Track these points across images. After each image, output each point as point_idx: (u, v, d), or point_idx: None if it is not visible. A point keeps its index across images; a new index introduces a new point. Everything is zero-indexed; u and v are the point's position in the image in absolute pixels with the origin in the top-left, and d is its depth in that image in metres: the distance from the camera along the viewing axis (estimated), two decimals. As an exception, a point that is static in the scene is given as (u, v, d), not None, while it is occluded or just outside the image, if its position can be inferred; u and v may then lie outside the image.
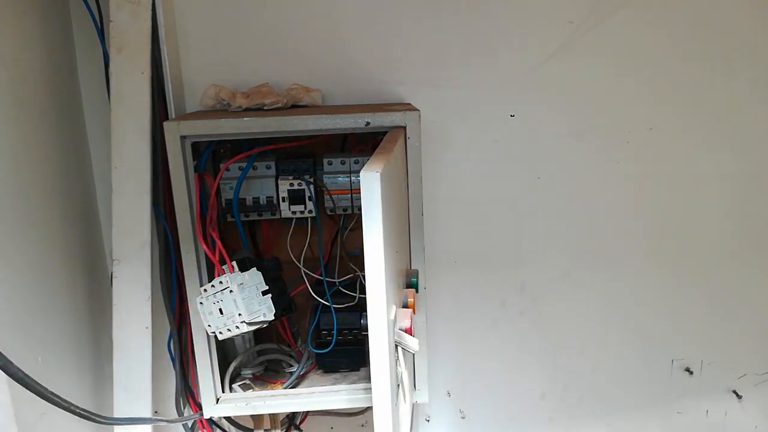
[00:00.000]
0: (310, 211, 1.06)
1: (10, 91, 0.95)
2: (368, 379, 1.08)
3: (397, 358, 0.75)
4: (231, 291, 0.97)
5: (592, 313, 1.38)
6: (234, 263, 0.99)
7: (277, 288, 1.03)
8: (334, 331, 1.10)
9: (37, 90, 1.03)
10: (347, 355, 1.11)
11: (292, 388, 1.09)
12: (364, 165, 1.04)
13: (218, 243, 1.00)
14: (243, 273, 0.99)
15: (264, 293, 1.01)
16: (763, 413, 1.48)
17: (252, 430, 1.19)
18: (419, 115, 1.00)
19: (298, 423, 1.26)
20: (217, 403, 1.08)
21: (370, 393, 1.04)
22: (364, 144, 1.11)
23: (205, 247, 1.00)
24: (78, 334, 1.11)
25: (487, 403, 1.43)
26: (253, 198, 1.06)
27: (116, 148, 1.02)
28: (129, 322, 1.05)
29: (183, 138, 0.97)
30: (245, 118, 0.97)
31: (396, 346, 0.75)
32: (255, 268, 1.01)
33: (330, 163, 1.06)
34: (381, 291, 0.67)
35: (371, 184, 0.64)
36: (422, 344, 1.08)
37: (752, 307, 1.40)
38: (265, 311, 1.00)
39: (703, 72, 1.24)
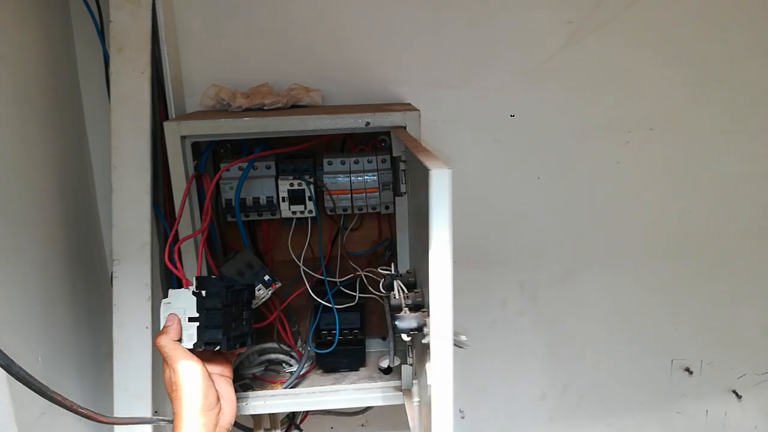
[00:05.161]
0: (310, 211, 1.06)
1: (10, 91, 0.95)
2: (368, 379, 1.08)
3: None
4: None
5: (592, 313, 1.38)
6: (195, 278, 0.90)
7: (229, 315, 0.89)
8: (336, 332, 1.10)
9: (37, 90, 1.03)
10: (347, 355, 1.11)
11: (292, 388, 1.08)
12: (363, 165, 1.05)
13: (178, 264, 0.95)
14: (177, 291, 0.88)
15: (191, 320, 0.87)
16: (763, 413, 1.48)
17: (252, 430, 1.19)
18: (419, 115, 1.00)
19: (298, 423, 1.26)
20: (217, 403, 1.07)
21: (370, 393, 1.04)
22: (364, 144, 1.11)
23: (170, 265, 0.95)
24: (78, 334, 1.11)
25: (487, 402, 1.43)
26: (253, 198, 1.06)
27: (116, 148, 1.02)
28: (129, 322, 1.05)
29: (183, 138, 0.97)
30: (245, 118, 0.97)
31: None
32: (192, 290, 0.88)
33: (330, 163, 1.06)
34: (448, 293, 0.62)
35: (442, 181, 0.60)
36: (422, 344, 1.08)
37: (752, 308, 1.40)
38: (186, 338, 0.87)
39: (704, 71, 1.24)
